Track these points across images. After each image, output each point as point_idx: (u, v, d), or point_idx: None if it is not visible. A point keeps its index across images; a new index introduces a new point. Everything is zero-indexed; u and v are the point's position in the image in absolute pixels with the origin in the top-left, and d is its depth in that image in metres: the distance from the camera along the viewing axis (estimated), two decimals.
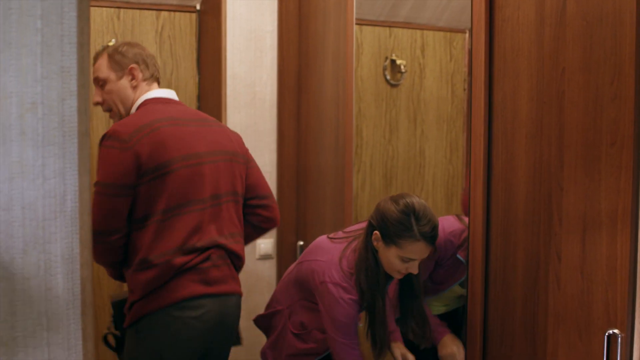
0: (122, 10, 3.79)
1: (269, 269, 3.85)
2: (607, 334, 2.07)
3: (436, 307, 2.84)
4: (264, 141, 3.77)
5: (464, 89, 3.31)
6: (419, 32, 3.65)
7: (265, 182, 2.94)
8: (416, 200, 2.46)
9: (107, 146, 2.58)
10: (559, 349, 2.26)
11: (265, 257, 3.78)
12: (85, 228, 1.27)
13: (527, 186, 2.36)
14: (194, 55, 3.95)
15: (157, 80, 2.85)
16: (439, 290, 2.83)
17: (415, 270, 2.47)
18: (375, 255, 2.51)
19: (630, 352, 2.03)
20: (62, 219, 1.24)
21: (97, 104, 2.82)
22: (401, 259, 2.45)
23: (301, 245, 3.74)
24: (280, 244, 3.92)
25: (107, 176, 2.55)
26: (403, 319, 2.60)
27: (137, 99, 2.78)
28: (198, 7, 3.90)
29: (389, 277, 2.59)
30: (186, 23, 3.90)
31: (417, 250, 2.44)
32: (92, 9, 3.64)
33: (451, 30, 4.05)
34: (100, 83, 2.80)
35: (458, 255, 2.73)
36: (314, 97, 3.76)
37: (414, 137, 3.53)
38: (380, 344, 2.53)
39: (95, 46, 3.72)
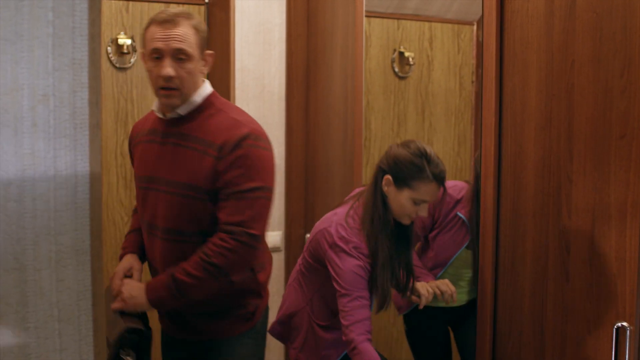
0: (130, 3, 3.80)
1: (278, 261, 3.86)
2: (615, 326, 2.07)
3: (460, 294, 2.80)
4: (272, 134, 3.77)
5: (472, 82, 3.30)
6: (427, 24, 3.64)
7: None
8: (425, 145, 2.53)
9: (265, 148, 2.41)
10: (567, 342, 2.26)
11: (273, 250, 3.79)
12: (96, 220, 1.28)
13: (536, 178, 2.35)
14: None
15: None
16: (446, 259, 2.82)
17: (425, 213, 2.51)
18: (385, 200, 2.53)
19: (638, 345, 2.03)
20: (73, 210, 1.25)
21: (165, 77, 2.36)
22: (413, 202, 2.49)
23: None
24: (288, 237, 3.93)
25: (272, 181, 2.43)
26: (391, 267, 2.56)
27: (200, 88, 2.46)
28: (207, 0, 3.90)
29: (397, 226, 2.59)
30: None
31: (430, 191, 2.49)
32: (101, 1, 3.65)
33: (459, 23, 4.04)
34: (182, 57, 2.36)
35: (459, 213, 2.74)
36: (322, 91, 3.76)
37: (422, 129, 3.52)
38: (384, 294, 2.51)
39: (103, 39, 3.72)
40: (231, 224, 2.32)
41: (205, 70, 2.50)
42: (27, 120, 1.19)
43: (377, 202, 2.53)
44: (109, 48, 3.77)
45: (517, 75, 2.42)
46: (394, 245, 2.54)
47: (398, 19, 3.60)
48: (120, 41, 3.78)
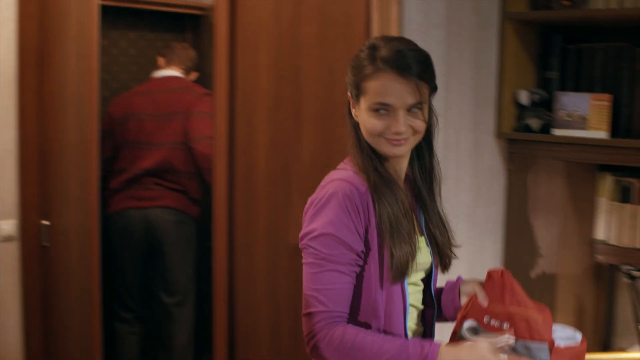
0: None
1: (11, 251, 3.60)
2: None
3: None
4: (1, 119, 3.52)
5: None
6: None
7: None
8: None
9: None
10: (299, 313, 2.36)
11: (6, 240, 3.53)
12: None
13: (267, 158, 2.42)
14: None
15: None
16: None
17: (399, 127, 1.64)
18: (358, 128, 1.75)
19: None
20: None
21: None
22: (375, 113, 1.66)
23: (46, 225, 3.55)
24: (23, 225, 3.69)
25: None
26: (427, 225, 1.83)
27: None
28: None
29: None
30: None
31: (387, 87, 1.64)
32: None
33: (197, 7, 4.09)
34: None
35: None
36: (57, 73, 3.58)
37: None
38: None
39: None
40: None
41: None
42: None
43: (355, 134, 1.77)
44: None
45: (248, 57, 2.47)
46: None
47: None
48: None
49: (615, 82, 2.35)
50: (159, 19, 4.13)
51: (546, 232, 2.53)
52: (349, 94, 1.74)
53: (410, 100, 1.63)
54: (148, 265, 3.72)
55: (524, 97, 2.45)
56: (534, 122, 2.42)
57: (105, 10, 3.19)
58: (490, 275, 1.72)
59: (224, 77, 2.51)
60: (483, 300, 1.71)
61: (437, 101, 2.20)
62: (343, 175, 1.68)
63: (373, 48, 1.67)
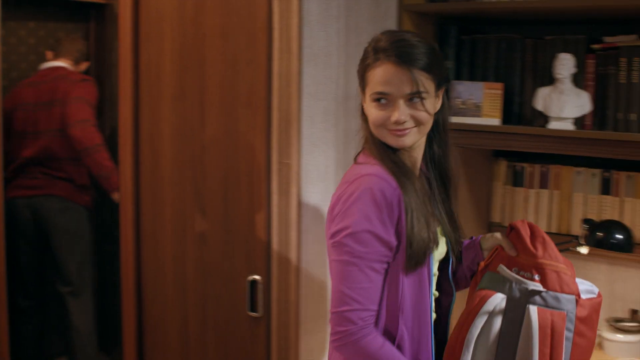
0: None
1: None
2: (249, 280, 2.26)
3: None
4: None
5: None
6: None
7: None
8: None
9: None
10: (208, 299, 2.40)
11: None
12: None
13: (172, 147, 2.44)
14: None
15: None
16: None
17: (397, 116, 1.65)
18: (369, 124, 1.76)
19: (269, 294, 2.24)
20: None
21: None
22: (377, 103, 1.68)
23: None
24: None
25: None
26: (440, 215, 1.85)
27: None
28: None
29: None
30: None
31: (383, 77, 1.66)
32: None
33: None
34: None
35: None
36: None
37: None
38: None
39: None
40: None
41: None
42: None
43: (363, 125, 1.79)
44: None
45: (152, 47, 2.48)
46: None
47: None
48: None
49: (507, 71, 2.46)
50: (61, 8, 4.08)
51: None
52: (358, 87, 1.76)
53: (408, 89, 1.64)
54: (42, 255, 3.75)
55: None
56: None
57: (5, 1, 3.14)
58: (513, 227, 1.75)
59: (128, 67, 2.52)
60: (511, 250, 1.74)
61: (338, 90, 2.28)
62: (372, 170, 1.66)
63: (376, 40, 1.70)
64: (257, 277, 2.25)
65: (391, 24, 2.49)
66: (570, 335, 1.63)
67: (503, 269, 1.70)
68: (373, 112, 1.70)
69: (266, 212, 2.21)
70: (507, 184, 2.68)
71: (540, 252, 1.69)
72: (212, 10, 2.30)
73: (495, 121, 2.41)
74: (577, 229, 2.43)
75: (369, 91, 1.70)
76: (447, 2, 2.46)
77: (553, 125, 2.30)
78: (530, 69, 2.42)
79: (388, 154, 1.70)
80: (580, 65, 2.30)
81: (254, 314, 2.26)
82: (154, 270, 2.56)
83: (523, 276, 1.68)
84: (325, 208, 2.27)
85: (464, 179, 2.62)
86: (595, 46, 2.30)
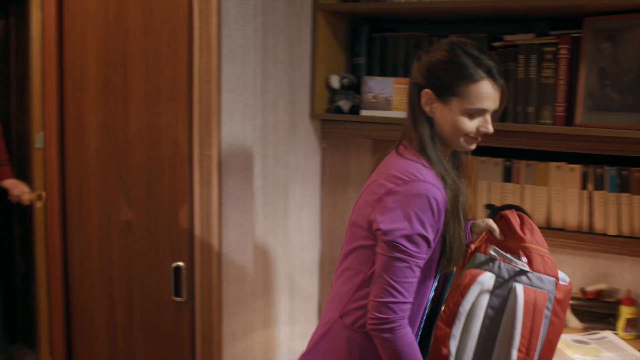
0: None
1: None
2: (173, 266, 2.36)
3: None
4: None
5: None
6: None
7: None
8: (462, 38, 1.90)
9: None
10: (134, 285, 2.49)
11: None
12: None
13: (97, 140, 2.51)
14: None
15: None
16: None
17: (490, 128, 1.81)
18: (432, 123, 1.84)
19: (192, 279, 2.34)
20: None
21: None
22: (468, 115, 1.79)
23: None
24: None
25: None
26: None
27: None
28: None
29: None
30: None
31: (485, 94, 1.79)
32: None
33: None
34: None
35: None
36: None
37: None
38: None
39: None
40: None
41: None
42: None
43: (422, 127, 1.85)
44: None
45: (76, 44, 2.53)
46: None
47: None
48: None
49: None
50: None
51: None
52: (428, 90, 1.80)
53: (496, 106, 1.82)
54: None
55: (335, 81, 2.66)
56: (344, 104, 2.64)
57: None
58: (503, 215, 1.88)
59: (53, 62, 2.57)
60: (500, 236, 1.88)
61: (256, 85, 2.40)
62: (429, 178, 1.75)
63: (471, 55, 1.77)
64: (180, 263, 2.35)
65: (306, 23, 2.60)
66: (549, 313, 1.78)
67: (496, 249, 1.84)
68: (464, 122, 1.79)
69: (189, 202, 2.31)
70: None
71: (528, 237, 1.83)
72: (135, 8, 2.37)
73: (404, 114, 2.53)
74: (482, 214, 2.57)
75: (465, 103, 1.78)
76: (359, 2, 2.57)
77: None
78: None
79: (441, 160, 1.82)
80: None
81: (178, 299, 2.37)
82: (80, 258, 2.63)
83: (511, 259, 1.83)
84: (244, 198, 2.40)
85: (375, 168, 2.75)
86: (496, 44, 2.43)
